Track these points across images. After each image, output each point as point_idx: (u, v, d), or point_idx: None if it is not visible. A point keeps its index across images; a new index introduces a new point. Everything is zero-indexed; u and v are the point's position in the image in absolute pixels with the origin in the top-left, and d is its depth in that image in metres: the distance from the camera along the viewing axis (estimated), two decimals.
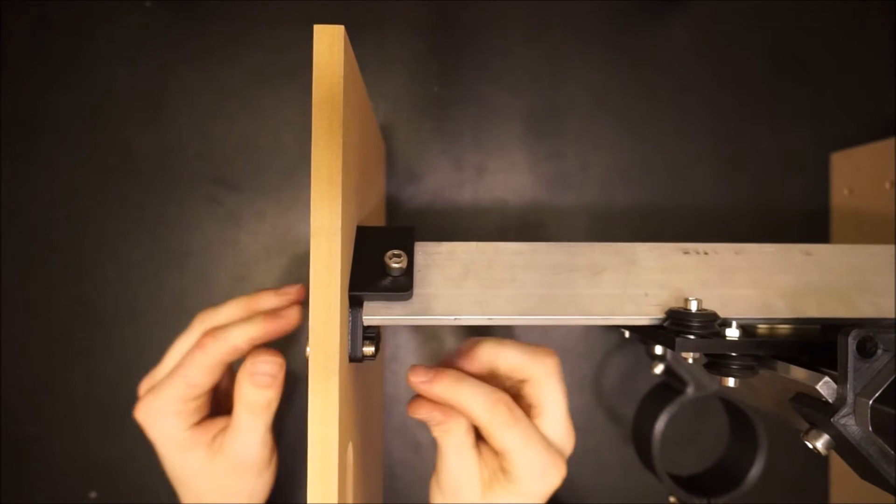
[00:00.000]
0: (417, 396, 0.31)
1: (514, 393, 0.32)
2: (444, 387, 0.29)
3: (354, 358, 0.27)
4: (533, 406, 0.31)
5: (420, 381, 0.29)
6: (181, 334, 0.36)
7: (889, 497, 0.38)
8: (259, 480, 0.35)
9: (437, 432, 0.31)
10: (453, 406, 0.30)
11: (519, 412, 0.30)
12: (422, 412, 0.30)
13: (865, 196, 0.48)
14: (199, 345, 0.32)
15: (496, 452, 0.31)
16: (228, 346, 0.32)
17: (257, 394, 0.32)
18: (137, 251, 0.48)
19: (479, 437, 0.32)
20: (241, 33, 0.49)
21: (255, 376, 0.31)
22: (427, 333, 0.51)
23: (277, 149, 0.49)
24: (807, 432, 0.25)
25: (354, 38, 0.26)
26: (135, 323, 0.48)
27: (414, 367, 0.30)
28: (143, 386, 0.36)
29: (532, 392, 0.31)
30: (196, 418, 0.34)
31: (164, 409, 0.33)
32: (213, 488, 0.34)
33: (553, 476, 0.30)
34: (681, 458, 0.50)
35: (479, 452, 0.31)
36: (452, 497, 0.32)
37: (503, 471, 0.30)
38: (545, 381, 0.31)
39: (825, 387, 0.24)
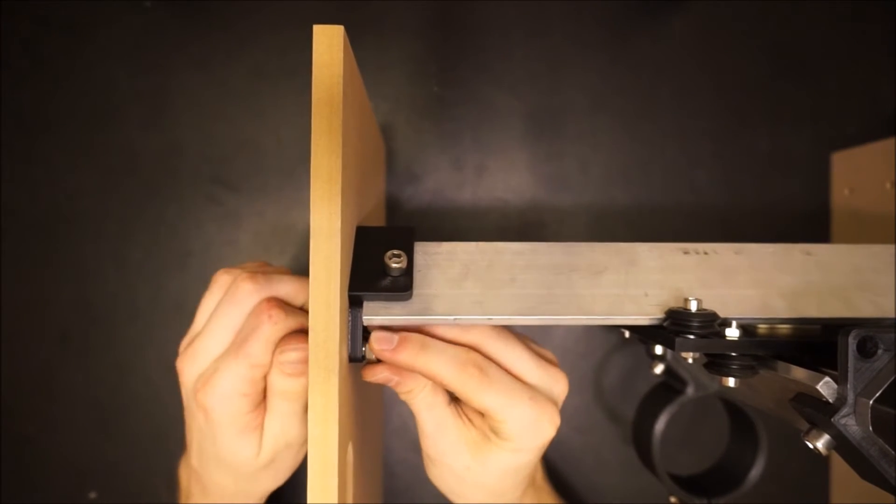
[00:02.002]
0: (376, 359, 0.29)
1: None
2: (409, 354, 0.27)
3: (354, 358, 0.27)
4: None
5: (383, 348, 0.27)
6: (218, 296, 0.32)
7: (889, 497, 0.38)
8: (275, 480, 0.34)
9: (402, 396, 0.30)
10: (422, 374, 0.28)
11: (493, 369, 0.28)
12: (377, 376, 0.28)
13: (865, 196, 0.48)
14: (266, 314, 0.29)
15: (481, 413, 0.29)
16: (297, 325, 0.29)
17: (287, 382, 0.30)
18: (137, 251, 0.48)
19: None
20: (241, 34, 0.49)
21: (285, 364, 0.29)
22: None
23: (277, 149, 0.49)
24: (807, 432, 0.25)
25: (354, 38, 0.26)
26: (135, 323, 0.48)
27: (376, 332, 0.27)
28: (184, 344, 0.33)
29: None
30: (260, 399, 0.31)
31: (231, 390, 0.30)
32: (251, 477, 0.33)
33: (545, 427, 0.29)
34: (681, 458, 0.50)
35: (461, 412, 0.30)
36: (441, 463, 0.30)
37: (494, 431, 0.29)
38: (485, 342, 0.29)
39: (825, 387, 0.24)
